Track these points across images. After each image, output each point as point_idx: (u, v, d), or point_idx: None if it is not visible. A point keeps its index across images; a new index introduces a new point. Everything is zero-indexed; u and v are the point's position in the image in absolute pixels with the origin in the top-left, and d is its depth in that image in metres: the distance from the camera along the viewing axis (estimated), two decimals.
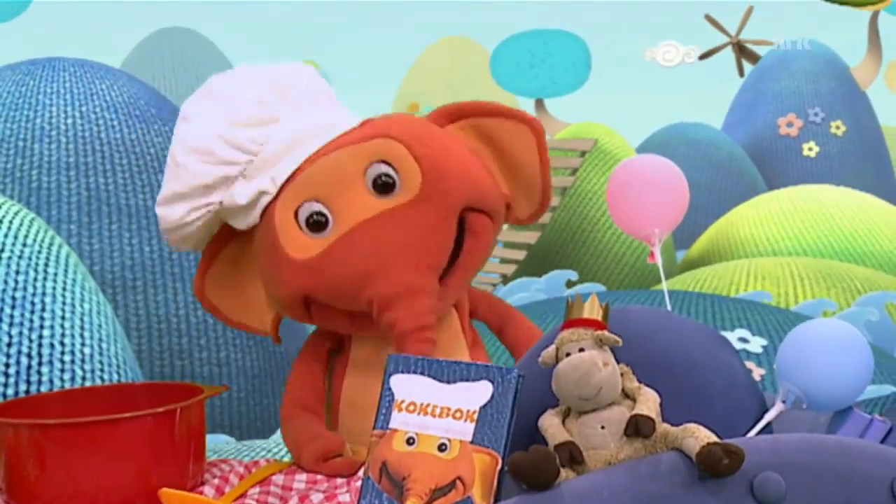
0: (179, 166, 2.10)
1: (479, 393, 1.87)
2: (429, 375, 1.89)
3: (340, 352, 2.25)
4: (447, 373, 1.89)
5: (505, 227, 7.99)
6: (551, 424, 1.85)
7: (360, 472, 2.06)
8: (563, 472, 1.78)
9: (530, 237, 8.94)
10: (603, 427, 1.82)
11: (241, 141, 2.08)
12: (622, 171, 2.32)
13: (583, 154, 9.11)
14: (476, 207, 2.13)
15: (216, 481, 2.04)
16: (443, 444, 1.85)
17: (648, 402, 1.81)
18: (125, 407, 2.06)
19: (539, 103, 10.79)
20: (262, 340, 4.94)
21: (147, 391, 2.14)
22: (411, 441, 1.86)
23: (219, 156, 2.08)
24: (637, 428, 1.79)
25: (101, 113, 4.59)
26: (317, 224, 2.07)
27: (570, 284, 7.77)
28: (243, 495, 2.02)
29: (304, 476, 2.10)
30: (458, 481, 1.82)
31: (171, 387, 2.16)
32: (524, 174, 2.22)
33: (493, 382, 1.86)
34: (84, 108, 4.61)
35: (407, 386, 1.90)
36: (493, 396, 1.86)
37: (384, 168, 2.08)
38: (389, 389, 1.90)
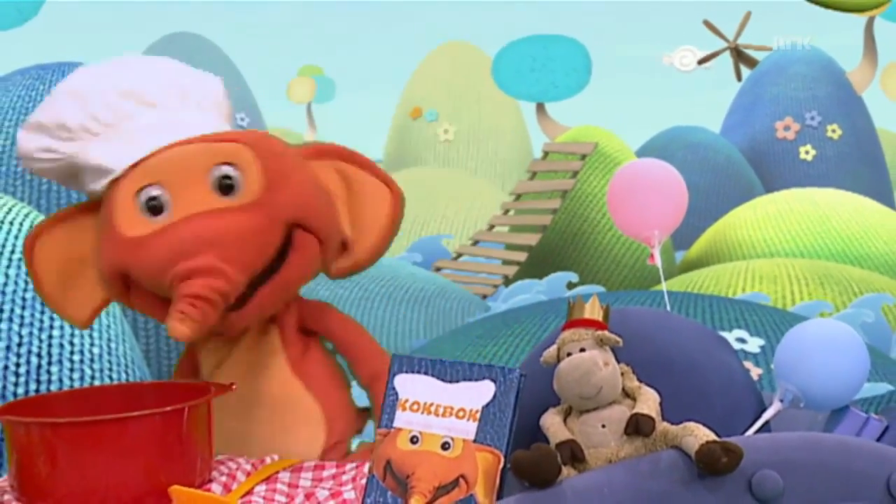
0: (54, 100, 2.16)
1: (481, 392, 1.87)
2: (432, 375, 1.90)
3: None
4: (450, 372, 1.89)
5: (506, 229, 7.94)
6: (553, 423, 1.86)
7: (366, 470, 2.06)
8: (565, 470, 1.79)
9: (531, 239, 8.95)
10: (604, 426, 1.82)
11: (115, 105, 2.13)
12: (623, 175, 2.33)
13: (583, 157, 9.12)
14: (305, 226, 2.16)
15: (224, 478, 2.04)
16: (446, 442, 1.85)
17: (648, 402, 1.81)
18: (134, 406, 2.06)
19: (540, 107, 10.79)
20: None
21: (156, 390, 2.14)
22: (415, 440, 1.87)
23: (90, 106, 2.13)
24: (637, 426, 1.79)
25: None
26: (153, 208, 2.10)
27: (570, 286, 7.78)
28: (250, 492, 2.02)
29: (309, 474, 2.10)
30: (461, 479, 1.83)
31: (180, 386, 2.16)
32: (367, 228, 2.26)
33: (495, 382, 1.87)
34: None
35: (410, 385, 1.91)
36: (495, 396, 1.86)
37: (229, 170, 2.12)
38: (394, 389, 1.91)
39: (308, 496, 2.00)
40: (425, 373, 1.90)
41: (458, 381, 1.88)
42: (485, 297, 8.10)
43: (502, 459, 1.82)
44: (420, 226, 10.20)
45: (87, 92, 2.15)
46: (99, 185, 2.14)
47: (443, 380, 1.89)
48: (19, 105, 4.69)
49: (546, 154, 9.45)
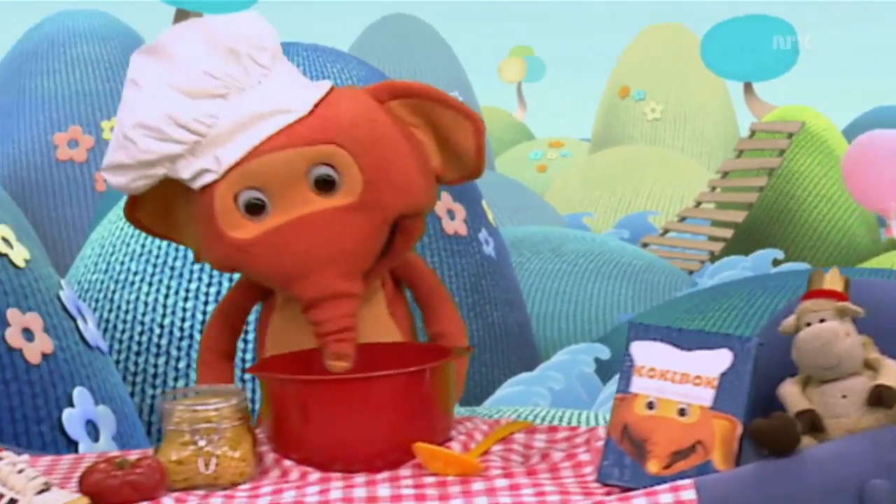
0: (127, 140, 2.05)
1: (718, 360, 1.84)
2: (668, 342, 1.87)
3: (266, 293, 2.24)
4: (686, 340, 1.86)
5: (712, 206, 7.84)
6: (791, 393, 1.81)
7: (602, 434, 2.04)
8: (804, 440, 1.74)
9: (737, 216, 8.79)
10: (844, 396, 1.76)
11: (189, 121, 2.03)
12: (860, 146, 2.24)
13: (790, 136, 8.90)
14: (410, 215, 2.11)
15: (462, 437, 2.05)
16: (682, 408, 1.82)
17: (891, 373, 1.75)
18: (377, 366, 2.09)
19: (748, 87, 10.58)
20: (480, 311, 4.98)
21: (396, 350, 2.16)
22: (651, 405, 1.84)
23: (166, 134, 2.04)
24: (879, 398, 1.73)
25: None
26: (255, 207, 2.04)
27: (776, 263, 7.62)
28: (487, 452, 2.03)
29: (543, 436, 2.09)
30: (698, 445, 1.80)
31: (421, 348, 2.18)
32: (458, 156, 2.16)
33: (732, 350, 1.83)
34: None
35: (646, 352, 1.88)
36: (732, 364, 1.82)
37: (327, 170, 2.05)
38: (629, 355, 1.89)
39: (544, 457, 1.99)
40: (661, 340, 1.88)
41: (694, 349, 1.85)
42: (691, 272, 7.99)
43: (740, 427, 1.79)
44: (627, 203, 10.12)
45: (154, 123, 2.04)
46: (193, 184, 2.07)
47: (679, 347, 1.86)
48: None
49: (753, 133, 9.27)
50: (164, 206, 2.16)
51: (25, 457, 1.81)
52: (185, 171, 2.05)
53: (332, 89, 2.11)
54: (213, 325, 2.24)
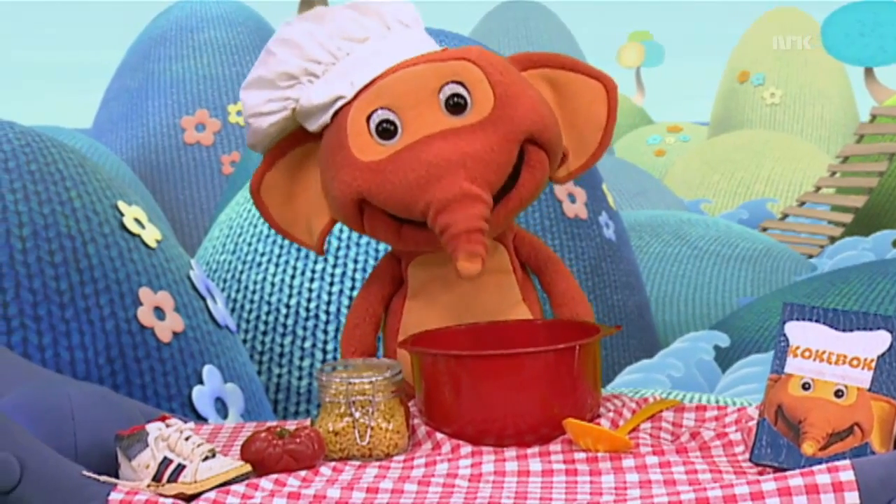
0: (269, 54, 2.09)
1: (876, 341, 1.79)
2: (824, 323, 1.83)
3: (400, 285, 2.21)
4: (843, 321, 1.82)
5: (832, 191, 7.69)
6: None
7: (753, 413, 2.01)
8: None
9: (857, 201, 8.62)
10: None
11: (330, 45, 2.08)
12: None
13: None
14: (537, 141, 2.05)
15: (611, 415, 2.04)
16: (839, 390, 1.78)
17: None
18: (527, 342, 2.09)
19: (868, 71, 10.37)
20: (600, 294, 4.94)
21: (547, 329, 2.15)
22: (807, 386, 1.81)
23: (307, 51, 2.07)
24: None
25: None
26: (386, 131, 2.03)
27: None
28: (636, 429, 2.01)
29: (692, 414, 2.07)
30: (855, 427, 1.76)
31: (568, 324, 2.16)
32: (584, 130, 2.13)
33: (891, 332, 1.79)
34: None
35: (802, 332, 1.84)
36: (891, 345, 1.78)
37: (458, 88, 2.03)
38: (784, 335, 1.85)
39: (693, 435, 1.97)
40: (817, 321, 1.84)
41: (851, 330, 1.81)
42: (811, 256, 7.86)
43: None
44: (745, 188, 9.98)
45: (299, 40, 2.10)
46: (324, 117, 2.09)
47: (835, 328, 1.82)
48: None
49: (874, 117, 9.08)
50: (287, 191, 2.17)
51: (191, 424, 1.84)
52: (318, 96, 2.07)
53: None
54: (353, 329, 2.22)
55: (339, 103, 2.07)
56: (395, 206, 2.04)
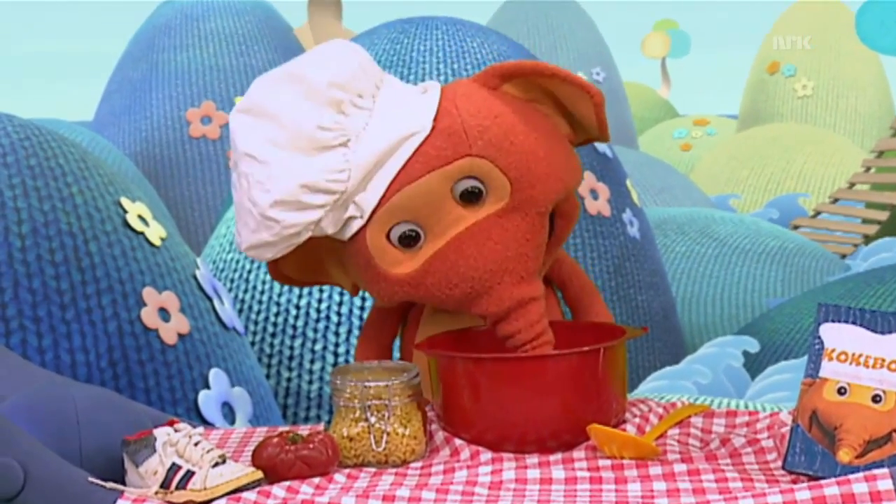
0: (268, 220, 2.04)
1: None
2: (861, 325, 1.83)
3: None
4: (881, 323, 1.82)
5: (867, 187, 7.66)
6: None
7: (785, 419, 2.01)
8: None
9: (893, 198, 8.59)
10: None
11: (324, 184, 2.03)
12: None
13: None
14: (562, 199, 2.10)
15: (637, 420, 2.04)
16: (877, 395, 1.78)
17: None
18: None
19: None
20: (624, 295, 4.94)
21: (570, 330, 2.16)
22: (843, 391, 1.81)
23: (306, 203, 2.03)
24: None
25: (472, 70, 4.63)
26: (409, 239, 2.05)
27: None
28: (663, 435, 2.01)
29: (722, 420, 2.07)
30: (894, 434, 1.76)
31: (592, 326, 2.17)
32: (581, 122, 2.14)
33: None
34: (455, 66, 4.68)
35: (837, 335, 1.85)
36: None
37: (472, 182, 2.04)
38: (819, 338, 1.85)
39: (723, 442, 1.97)
40: (854, 322, 1.84)
41: (889, 332, 1.81)
42: (844, 256, 7.84)
43: None
44: (776, 183, 9.96)
45: (291, 197, 2.04)
46: (341, 234, 2.10)
47: (873, 330, 1.82)
48: (384, 59, 4.82)
49: None
50: (308, 257, 2.18)
51: (200, 429, 1.85)
52: (330, 227, 2.07)
53: (442, 91, 2.11)
54: (365, 348, 2.26)
55: (354, 225, 2.07)
56: (443, 308, 2.13)
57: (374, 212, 2.05)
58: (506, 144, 2.05)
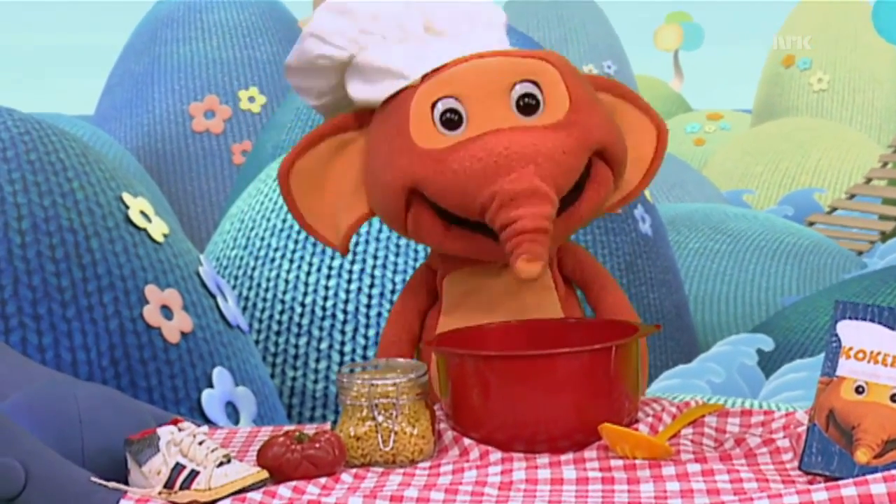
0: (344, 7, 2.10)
1: None
2: (880, 323, 1.83)
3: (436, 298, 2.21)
4: None
5: (883, 182, 7.68)
6: None
7: (802, 418, 2.01)
8: None
9: None
10: None
11: (405, 22, 2.09)
12: None
13: None
14: (606, 156, 2.05)
15: (650, 419, 2.04)
16: None
17: None
18: (561, 342, 2.08)
19: None
20: (636, 293, 4.94)
21: (583, 328, 2.15)
22: (861, 390, 1.80)
23: (382, 20, 2.08)
24: None
25: None
26: (450, 122, 2.01)
27: None
28: (677, 435, 2.01)
29: (737, 419, 2.07)
30: None
31: (605, 324, 2.17)
32: (633, 162, 2.13)
33: None
34: None
35: (855, 333, 1.84)
36: None
37: (531, 88, 2.02)
38: (836, 335, 1.85)
39: (738, 442, 1.97)
40: (872, 320, 1.83)
41: None
42: (860, 253, 7.84)
43: None
44: (791, 179, 9.95)
45: (386, 10, 2.09)
46: (377, 90, 2.08)
47: (892, 328, 1.82)
48: None
49: None
50: (318, 181, 2.16)
51: (205, 428, 1.84)
52: (379, 58, 2.07)
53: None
54: (390, 347, 2.23)
55: (402, 83, 2.06)
56: (452, 198, 2.02)
57: (428, 75, 2.04)
58: (578, 76, 2.07)
